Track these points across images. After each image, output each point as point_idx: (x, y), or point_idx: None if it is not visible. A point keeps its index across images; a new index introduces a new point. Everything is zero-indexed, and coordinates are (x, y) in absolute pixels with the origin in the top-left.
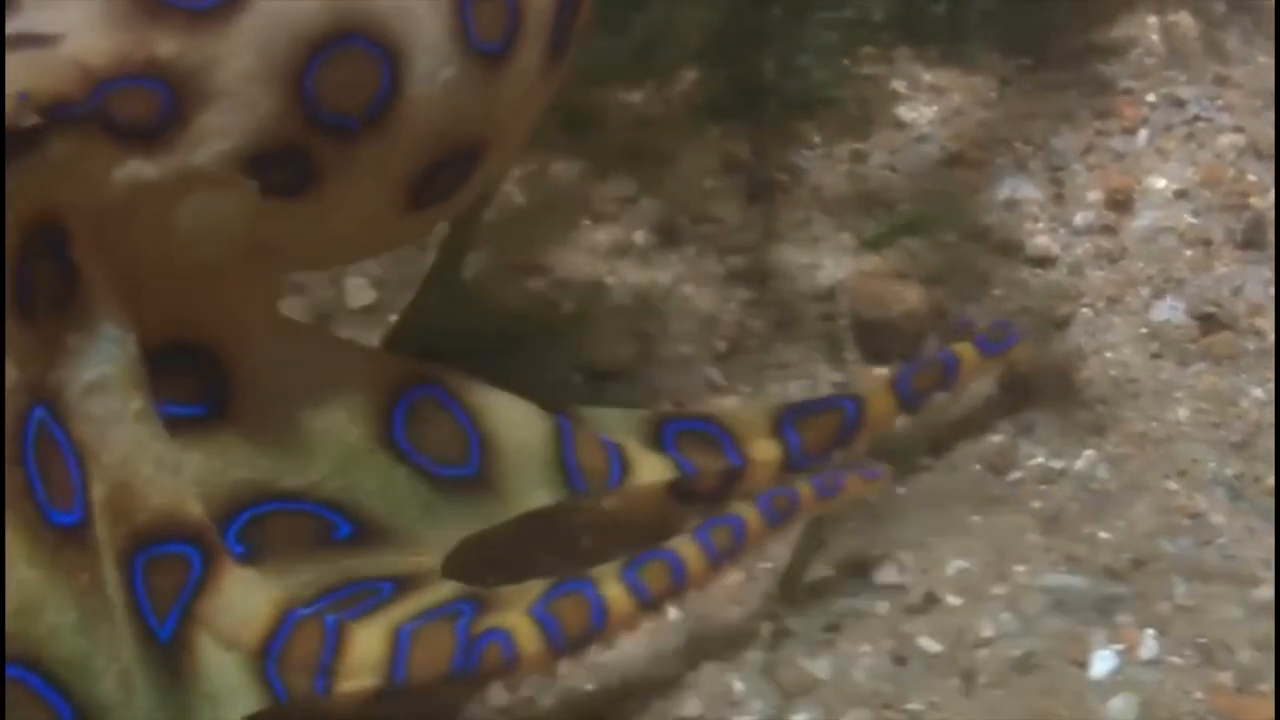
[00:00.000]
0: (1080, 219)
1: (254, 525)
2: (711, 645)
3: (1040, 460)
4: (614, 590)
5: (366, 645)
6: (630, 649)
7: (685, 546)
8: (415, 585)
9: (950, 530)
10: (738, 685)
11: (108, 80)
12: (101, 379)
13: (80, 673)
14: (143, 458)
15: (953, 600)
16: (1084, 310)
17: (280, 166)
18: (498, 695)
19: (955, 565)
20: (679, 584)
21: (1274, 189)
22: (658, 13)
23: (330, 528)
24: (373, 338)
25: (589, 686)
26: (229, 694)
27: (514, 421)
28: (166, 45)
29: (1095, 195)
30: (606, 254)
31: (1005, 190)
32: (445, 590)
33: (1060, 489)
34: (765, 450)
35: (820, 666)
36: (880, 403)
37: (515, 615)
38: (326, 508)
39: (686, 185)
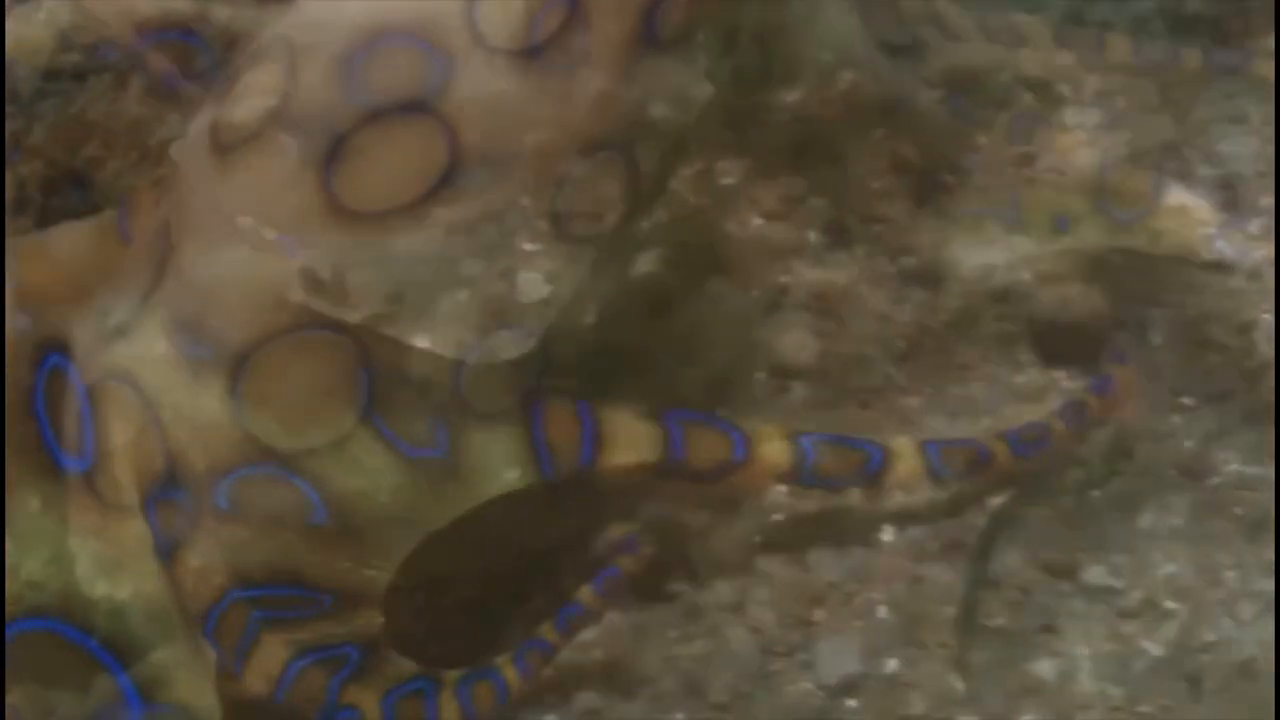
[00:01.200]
0: (1255, 225)
1: (242, 485)
2: (929, 644)
3: (1237, 467)
4: (449, 707)
5: (266, 657)
6: (846, 645)
7: (507, 668)
8: (348, 608)
9: (1154, 534)
10: (958, 685)
11: (154, 30)
12: (127, 324)
13: (109, 614)
14: (163, 405)
15: (1169, 604)
16: (1264, 316)
17: (316, 137)
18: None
19: (1165, 569)
20: (503, 702)
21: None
22: (832, 15)
23: (309, 509)
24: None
25: (806, 684)
26: (200, 642)
27: (484, 394)
28: (220, 10)
29: (1268, 201)
30: (781, 253)
31: (1175, 195)
32: (358, 625)
33: (1261, 495)
34: (776, 451)
35: (1043, 668)
36: (907, 462)
37: (372, 699)
38: (311, 485)
39: (854, 185)
